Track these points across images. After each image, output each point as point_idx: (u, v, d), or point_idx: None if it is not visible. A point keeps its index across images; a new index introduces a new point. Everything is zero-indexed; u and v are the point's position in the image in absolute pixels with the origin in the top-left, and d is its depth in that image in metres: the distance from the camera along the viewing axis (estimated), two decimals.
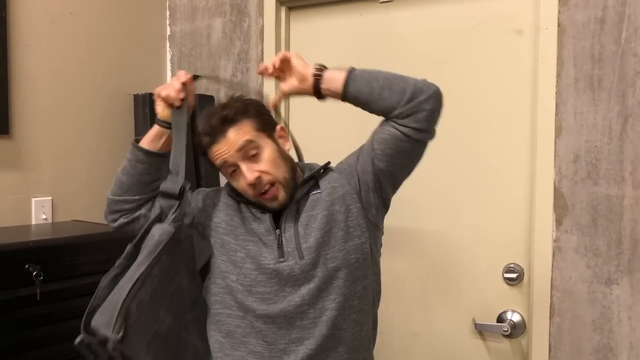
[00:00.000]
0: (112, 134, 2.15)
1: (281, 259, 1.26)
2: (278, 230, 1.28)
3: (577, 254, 1.66)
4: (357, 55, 2.03)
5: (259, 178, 1.24)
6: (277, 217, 1.30)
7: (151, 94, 2.13)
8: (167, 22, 2.40)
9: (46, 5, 1.92)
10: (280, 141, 1.33)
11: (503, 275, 1.80)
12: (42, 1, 1.91)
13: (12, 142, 1.83)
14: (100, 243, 1.69)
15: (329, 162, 1.36)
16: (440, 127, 1.90)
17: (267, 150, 1.27)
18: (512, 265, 1.79)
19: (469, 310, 1.86)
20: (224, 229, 1.32)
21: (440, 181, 1.90)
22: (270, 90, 2.14)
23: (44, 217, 1.90)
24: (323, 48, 2.10)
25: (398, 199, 1.96)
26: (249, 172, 1.24)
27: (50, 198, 1.94)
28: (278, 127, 1.34)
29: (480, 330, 1.83)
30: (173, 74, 2.39)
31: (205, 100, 2.17)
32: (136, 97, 2.16)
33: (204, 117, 1.30)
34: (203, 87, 2.30)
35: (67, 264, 1.58)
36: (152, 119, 2.11)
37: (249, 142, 1.25)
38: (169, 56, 2.40)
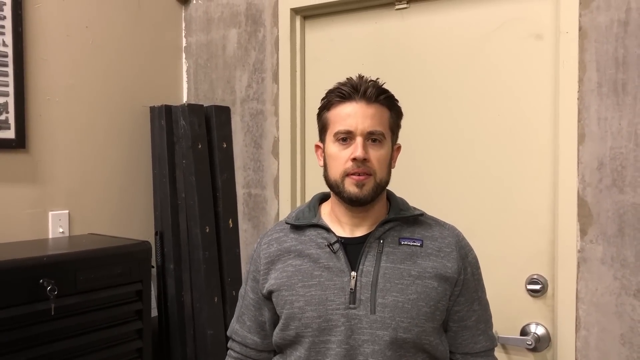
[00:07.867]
0: (128, 146, 2.15)
1: (352, 305, 1.17)
2: (354, 272, 1.19)
3: (604, 264, 1.60)
4: (373, 64, 2.00)
5: (366, 160, 1.17)
6: (351, 251, 1.22)
7: (167, 106, 2.13)
8: (183, 34, 2.40)
9: (62, 19, 1.94)
10: (394, 153, 1.27)
11: (526, 286, 1.75)
12: (58, 15, 1.92)
13: (29, 156, 1.84)
14: (116, 257, 1.68)
15: (422, 213, 1.29)
16: (460, 134, 1.88)
17: (386, 149, 1.21)
18: (535, 277, 1.74)
19: None
20: (277, 283, 1.25)
21: (461, 190, 1.86)
22: (284, 99, 2.12)
23: (61, 230, 1.91)
24: (339, 56, 2.08)
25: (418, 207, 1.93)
26: (362, 149, 1.16)
27: (67, 211, 1.94)
28: (398, 143, 1.29)
29: (503, 343, 1.77)
30: (189, 86, 2.39)
31: (222, 110, 2.16)
32: (152, 109, 2.16)
33: (351, 78, 1.23)
34: (219, 99, 2.30)
35: (82, 278, 1.57)
36: (168, 130, 2.12)
37: (382, 134, 1.19)
38: (185, 67, 2.40)
